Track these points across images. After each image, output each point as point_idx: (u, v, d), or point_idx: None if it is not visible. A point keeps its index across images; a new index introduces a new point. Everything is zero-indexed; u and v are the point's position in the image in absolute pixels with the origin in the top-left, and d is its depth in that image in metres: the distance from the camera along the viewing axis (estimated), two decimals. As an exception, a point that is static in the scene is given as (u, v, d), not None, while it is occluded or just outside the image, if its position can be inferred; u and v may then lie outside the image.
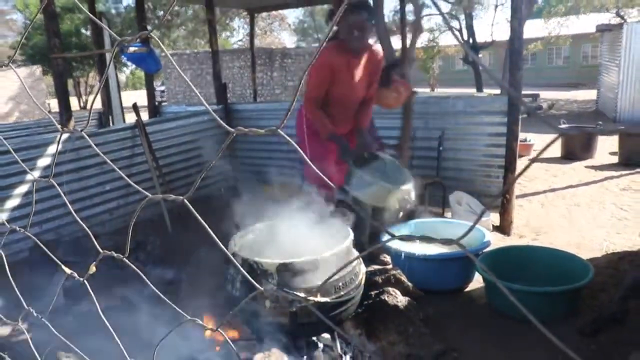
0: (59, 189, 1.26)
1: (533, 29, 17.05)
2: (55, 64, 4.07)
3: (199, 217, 0.94)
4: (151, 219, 4.57)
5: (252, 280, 0.83)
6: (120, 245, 3.42)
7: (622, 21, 15.97)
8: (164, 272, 3.45)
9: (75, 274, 1.16)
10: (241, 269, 0.84)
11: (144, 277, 1.01)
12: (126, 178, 0.88)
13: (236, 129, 0.76)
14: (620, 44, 10.39)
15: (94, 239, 1.10)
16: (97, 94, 0.99)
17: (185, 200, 0.86)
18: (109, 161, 0.88)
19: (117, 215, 4.51)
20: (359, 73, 3.16)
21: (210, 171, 5.53)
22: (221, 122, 0.78)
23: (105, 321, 1.09)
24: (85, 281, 1.10)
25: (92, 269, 1.15)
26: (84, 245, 3.55)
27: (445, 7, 16.76)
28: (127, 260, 0.97)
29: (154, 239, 3.63)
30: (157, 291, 0.93)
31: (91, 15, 0.95)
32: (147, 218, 4.61)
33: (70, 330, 2.79)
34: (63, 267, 1.26)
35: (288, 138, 0.73)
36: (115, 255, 1.01)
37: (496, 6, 18.48)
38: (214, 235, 0.84)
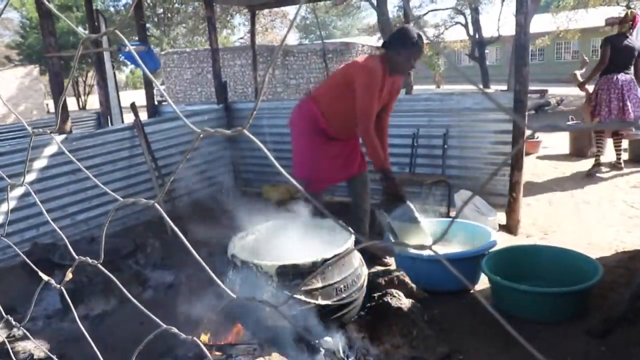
0: (34, 196, 1.20)
1: (541, 23, 16.89)
2: (51, 63, 4.02)
3: (170, 222, 0.88)
4: (151, 221, 4.52)
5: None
6: (119, 247, 3.38)
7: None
8: (163, 275, 3.40)
9: (53, 281, 1.12)
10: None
11: (121, 286, 0.95)
12: (97, 184, 0.82)
13: (202, 130, 0.70)
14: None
15: (67, 243, 1.06)
16: (65, 92, 0.93)
17: (156, 205, 0.80)
18: (80, 167, 0.82)
19: (116, 217, 4.46)
20: (385, 92, 3.20)
21: (211, 172, 5.48)
22: (190, 124, 0.71)
23: (84, 331, 1.04)
24: (62, 288, 1.06)
25: (69, 275, 1.11)
26: (82, 248, 3.50)
27: (451, 2, 16.64)
28: (101, 267, 0.92)
29: (153, 242, 3.58)
30: (134, 300, 0.88)
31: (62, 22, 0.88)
32: (146, 220, 4.57)
33: (66, 335, 2.77)
34: (40, 273, 1.20)
35: (253, 138, 0.66)
36: (90, 261, 0.96)
37: (502, 0, 18.32)
38: (191, 248, 0.78)
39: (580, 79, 6.23)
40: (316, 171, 3.28)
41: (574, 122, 7.14)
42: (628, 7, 17.54)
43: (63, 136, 4.03)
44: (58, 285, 1.07)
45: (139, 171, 4.63)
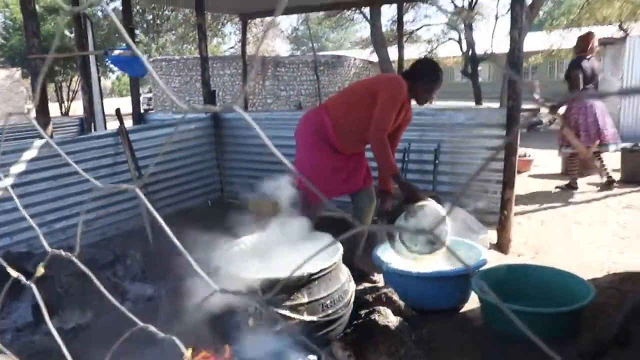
0: (16, 201, 1.11)
1: (534, 41, 17.02)
2: (34, 64, 3.91)
3: (153, 209, 0.78)
4: (132, 231, 4.40)
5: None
6: (97, 258, 3.25)
7: (625, 34, 15.96)
8: (143, 287, 3.28)
9: (22, 277, 1.03)
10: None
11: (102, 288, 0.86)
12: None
13: (190, 107, 0.63)
14: (623, 57, 10.32)
15: (42, 238, 0.96)
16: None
17: (136, 190, 0.73)
18: (69, 161, 0.73)
19: (95, 227, 4.31)
20: (401, 114, 3.23)
21: (197, 182, 5.37)
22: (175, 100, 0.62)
23: (61, 344, 0.95)
24: (32, 285, 0.98)
25: (40, 270, 1.02)
26: (57, 257, 3.37)
27: (444, 18, 16.77)
28: (75, 259, 0.82)
29: (134, 253, 3.46)
30: (115, 302, 0.79)
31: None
32: (128, 229, 4.44)
33: (38, 349, 2.64)
34: (9, 269, 1.11)
35: (244, 113, 0.58)
36: (64, 254, 0.88)
37: (496, 17, 18.50)
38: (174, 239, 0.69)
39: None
40: (318, 181, 3.22)
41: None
42: (620, 27, 17.77)
43: (43, 141, 3.91)
44: (28, 282, 0.99)
45: (122, 179, 4.49)
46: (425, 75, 3.19)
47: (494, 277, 2.97)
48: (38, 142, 3.88)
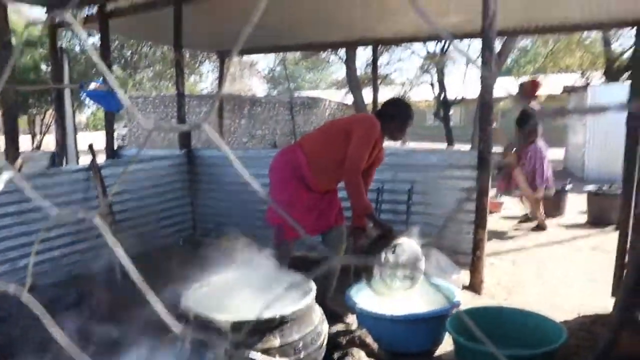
0: None
1: (503, 87, 17.59)
2: (6, 96, 3.83)
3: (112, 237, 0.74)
4: (100, 270, 4.26)
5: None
6: (61, 297, 3.13)
7: (587, 83, 16.66)
8: (109, 330, 3.15)
9: None
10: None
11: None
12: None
13: (156, 123, 0.61)
14: (586, 104, 10.73)
15: None
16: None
17: (97, 217, 0.67)
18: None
19: (60, 264, 4.15)
20: (374, 152, 3.30)
21: (169, 220, 5.26)
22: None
23: None
24: None
25: None
26: (13, 300, 3.24)
27: (418, 62, 17.22)
28: (25, 297, 0.76)
29: (101, 293, 3.34)
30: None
31: None
32: (96, 268, 4.30)
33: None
34: None
35: (213, 132, 0.56)
36: (11, 290, 0.82)
37: (467, 63, 19.09)
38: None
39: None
40: (290, 218, 3.18)
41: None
42: (582, 75, 18.57)
43: (9, 174, 3.80)
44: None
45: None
46: (397, 114, 3.30)
47: (470, 319, 2.95)
48: (4, 176, 3.76)
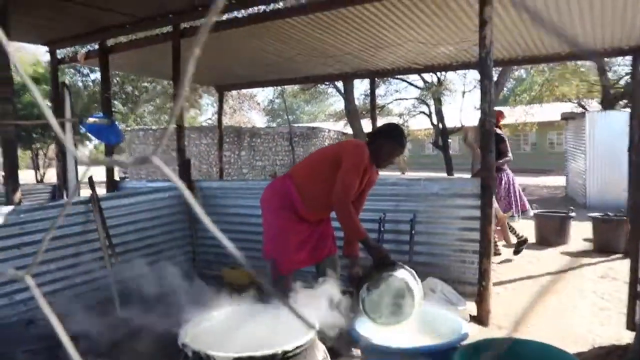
0: None
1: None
2: (5, 130, 3.82)
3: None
4: (98, 302, 4.17)
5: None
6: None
7: (584, 110, 16.77)
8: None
9: None
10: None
11: None
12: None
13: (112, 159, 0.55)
14: (584, 131, 10.78)
15: None
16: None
17: (27, 277, 0.63)
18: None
19: (61, 297, 4.06)
20: (365, 178, 3.26)
21: (169, 252, 5.19)
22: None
23: None
24: None
25: None
26: (17, 331, 3.16)
27: (415, 92, 17.36)
28: None
29: (100, 326, 3.26)
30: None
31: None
32: (95, 301, 4.21)
33: None
34: None
35: (162, 164, 0.52)
36: None
37: (464, 92, 19.26)
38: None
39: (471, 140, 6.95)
40: (285, 251, 3.18)
41: (538, 210, 7.23)
42: (579, 103, 18.67)
43: (10, 208, 3.75)
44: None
45: (91, 248, 4.31)
46: (385, 139, 3.23)
47: (478, 352, 2.85)
48: (4, 209, 3.73)
